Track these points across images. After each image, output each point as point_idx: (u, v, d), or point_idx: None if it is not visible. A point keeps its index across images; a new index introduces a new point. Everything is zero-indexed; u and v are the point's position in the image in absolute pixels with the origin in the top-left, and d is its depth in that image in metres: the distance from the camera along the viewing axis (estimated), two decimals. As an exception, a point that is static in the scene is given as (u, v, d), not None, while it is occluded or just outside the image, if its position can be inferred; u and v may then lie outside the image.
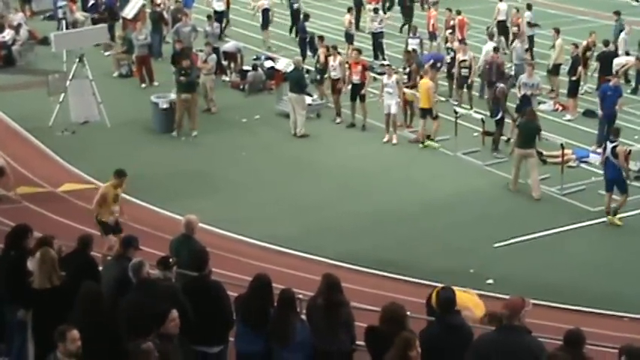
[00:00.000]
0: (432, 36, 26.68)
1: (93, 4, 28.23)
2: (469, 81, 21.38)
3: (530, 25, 25.13)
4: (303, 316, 8.67)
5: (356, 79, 20.41)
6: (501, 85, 19.27)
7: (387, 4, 31.92)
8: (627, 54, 23.19)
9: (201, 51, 22.63)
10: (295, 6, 28.56)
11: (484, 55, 22.25)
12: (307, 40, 25.52)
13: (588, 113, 20.64)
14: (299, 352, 8.38)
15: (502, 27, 26.47)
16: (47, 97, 20.51)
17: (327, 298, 8.44)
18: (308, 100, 20.94)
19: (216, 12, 27.39)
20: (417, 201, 16.48)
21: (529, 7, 25.85)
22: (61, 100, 20.29)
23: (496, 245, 14.55)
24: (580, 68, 21.17)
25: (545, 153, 18.06)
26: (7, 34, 26.77)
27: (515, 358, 7.01)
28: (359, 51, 21.47)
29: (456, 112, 19.49)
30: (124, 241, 9.63)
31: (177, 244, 10.38)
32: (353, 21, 27.81)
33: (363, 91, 20.44)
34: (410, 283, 13.23)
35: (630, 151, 17.23)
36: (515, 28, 25.49)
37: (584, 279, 13.49)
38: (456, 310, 8.09)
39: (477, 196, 16.67)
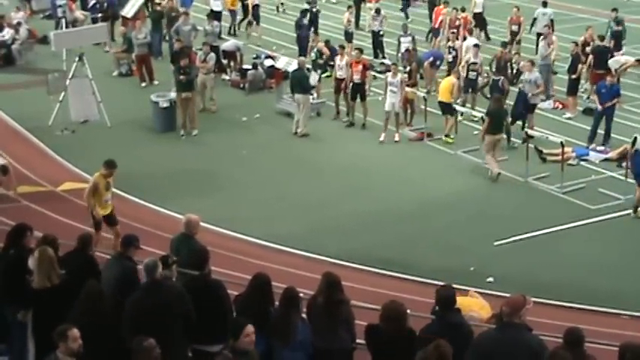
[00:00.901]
0: (436, 32, 26.63)
1: (94, 4, 28.21)
2: (477, 84, 21.02)
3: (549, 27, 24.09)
4: (304, 315, 8.67)
5: (357, 78, 20.39)
6: (502, 77, 19.31)
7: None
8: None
9: (200, 49, 22.60)
10: (315, 9, 27.87)
11: (465, 51, 22.26)
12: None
13: (588, 111, 20.63)
14: (300, 351, 8.38)
15: (479, 19, 26.51)
16: (47, 96, 20.50)
17: (328, 296, 8.45)
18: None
19: (212, 12, 27.37)
20: (418, 199, 16.48)
21: (544, 4, 25.75)
22: (60, 99, 20.28)
23: (496, 243, 14.56)
24: (580, 66, 21.15)
25: (545, 151, 18.08)
26: (7, 33, 26.76)
27: (515, 356, 7.00)
28: (360, 50, 21.47)
29: (455, 111, 19.49)
30: (125, 240, 9.62)
31: (177, 243, 10.37)
32: (352, 19, 27.82)
33: (367, 92, 20.44)
34: (410, 281, 13.24)
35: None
36: (514, 27, 25.40)
37: (584, 277, 13.49)
38: (456, 308, 8.10)
39: (477, 195, 16.68)
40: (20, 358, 9.22)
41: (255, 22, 28.91)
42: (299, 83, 20.23)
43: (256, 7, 28.93)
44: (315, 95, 21.39)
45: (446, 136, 19.41)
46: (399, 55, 23.42)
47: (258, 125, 20.98)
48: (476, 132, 19.26)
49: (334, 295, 8.46)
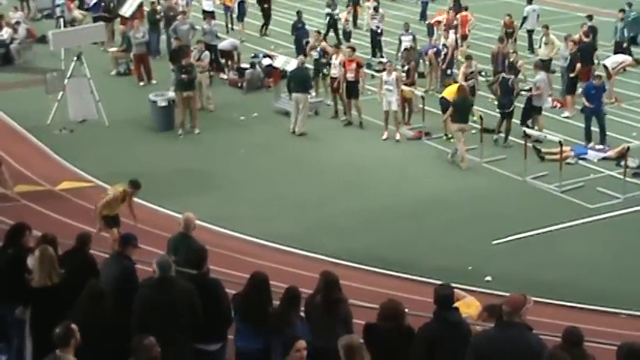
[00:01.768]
0: (430, 31, 26.64)
1: (95, 4, 28.18)
2: (476, 91, 20.78)
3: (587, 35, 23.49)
4: (302, 314, 8.68)
5: (350, 76, 20.39)
6: (512, 76, 19.43)
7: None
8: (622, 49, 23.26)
9: (195, 48, 22.57)
10: (336, 14, 27.74)
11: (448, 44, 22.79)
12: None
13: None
14: (298, 349, 8.38)
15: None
16: (45, 95, 20.49)
17: (326, 295, 8.45)
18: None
19: (205, 12, 27.36)
20: (415, 198, 16.49)
21: (529, 1, 25.89)
22: (59, 98, 20.29)
23: (494, 242, 14.56)
24: (578, 65, 21.17)
25: (543, 150, 18.09)
26: (5, 33, 26.77)
27: (515, 355, 6.99)
28: (353, 48, 21.47)
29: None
30: (123, 239, 9.62)
31: (175, 242, 10.37)
32: (350, 18, 27.82)
33: (360, 90, 20.45)
34: (408, 280, 13.25)
35: (629, 147, 17.28)
36: (509, 30, 25.29)
37: (582, 276, 13.50)
38: (454, 307, 8.11)
39: (475, 193, 16.68)
40: (18, 356, 9.22)
41: (237, 19, 29.24)
42: (299, 82, 20.22)
43: (242, 3, 29.13)
44: (313, 94, 21.37)
45: (451, 137, 19.37)
46: (399, 53, 23.42)
47: (256, 124, 20.98)
48: (473, 131, 19.27)
49: (332, 293, 8.46)
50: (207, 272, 8.99)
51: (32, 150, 19.43)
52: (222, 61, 24.95)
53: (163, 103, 20.34)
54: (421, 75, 23.07)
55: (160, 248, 11.51)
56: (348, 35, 26.75)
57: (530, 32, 25.97)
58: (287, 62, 23.29)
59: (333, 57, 21.27)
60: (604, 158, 18.09)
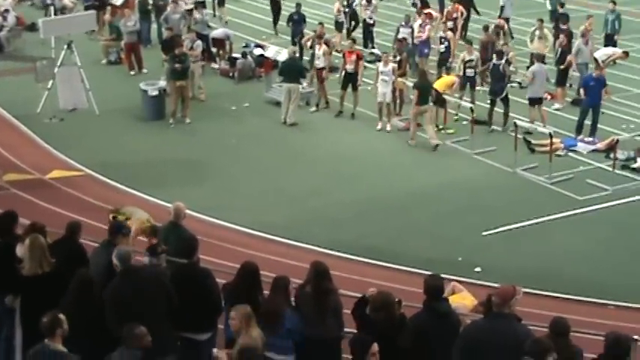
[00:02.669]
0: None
1: None
2: (475, 81, 20.95)
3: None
4: (292, 303, 8.69)
5: (350, 68, 20.41)
6: (502, 61, 19.54)
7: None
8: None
9: (186, 38, 22.48)
10: (357, 8, 27.24)
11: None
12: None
13: (576, 102, 20.67)
14: (289, 339, 8.41)
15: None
16: (35, 83, 20.39)
17: (316, 285, 8.46)
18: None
19: (196, 2, 27.18)
20: (406, 189, 16.51)
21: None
22: (49, 86, 20.22)
23: (484, 233, 14.61)
24: (569, 57, 21.22)
25: (533, 142, 18.14)
26: (-5, 20, 26.64)
27: (503, 346, 7.03)
28: (353, 40, 21.49)
29: (445, 102, 19.52)
30: (113, 227, 9.60)
31: (166, 231, 10.37)
32: (342, 9, 27.72)
33: (358, 82, 20.45)
34: (398, 270, 13.28)
35: (618, 139, 17.35)
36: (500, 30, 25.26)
37: (571, 267, 13.57)
38: (444, 297, 8.14)
39: (465, 185, 16.72)
40: (8, 345, 9.21)
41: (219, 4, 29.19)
42: (291, 72, 20.20)
43: None
44: (304, 84, 21.37)
45: (442, 128, 19.41)
46: (394, 44, 23.37)
47: (248, 114, 20.96)
48: (465, 122, 19.31)
49: (322, 284, 8.48)
50: (198, 262, 8.99)
51: (22, 139, 19.36)
52: (214, 50, 24.89)
53: (154, 93, 20.29)
54: (412, 66, 23.06)
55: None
56: (340, 26, 26.65)
57: (507, 20, 26.22)
58: (278, 52, 23.25)
59: (316, 48, 21.27)
60: (593, 150, 18.15)
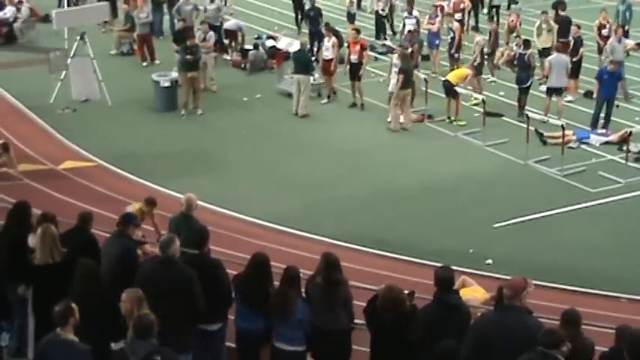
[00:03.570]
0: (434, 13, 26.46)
1: None
2: (482, 69, 21.23)
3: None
4: (303, 294, 8.70)
5: (354, 58, 20.39)
6: (528, 51, 19.70)
7: None
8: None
9: (198, 29, 22.49)
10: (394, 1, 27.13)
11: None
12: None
13: (589, 94, 20.59)
14: (299, 329, 8.43)
15: None
16: (48, 74, 20.47)
17: (326, 276, 8.47)
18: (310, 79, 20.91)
19: None
20: (417, 181, 16.50)
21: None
22: (62, 77, 20.27)
23: (496, 226, 14.58)
24: (582, 49, 21.13)
25: (545, 134, 18.08)
26: (9, 11, 26.72)
27: (514, 338, 7.00)
28: (357, 30, 21.42)
29: (457, 94, 19.47)
30: (124, 218, 9.64)
31: (177, 222, 10.41)
32: (354, 0, 27.67)
33: (361, 71, 20.44)
34: (409, 262, 13.27)
35: (631, 132, 17.27)
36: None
37: (583, 260, 13.52)
38: (454, 289, 8.13)
39: (477, 177, 16.68)
40: (21, 334, 9.26)
41: None
42: (301, 64, 20.21)
43: None
44: (316, 76, 21.36)
45: (453, 120, 19.38)
46: (402, 36, 23.33)
47: (259, 105, 20.97)
48: (476, 114, 19.26)
49: (332, 275, 8.48)
50: (208, 252, 9.01)
51: (35, 129, 19.44)
52: (226, 42, 24.89)
53: (166, 84, 20.33)
54: (425, 57, 23.04)
55: (162, 228, 11.58)
56: (352, 17, 26.60)
57: (497, 8, 26.62)
58: (290, 44, 23.22)
59: (326, 39, 21.25)
60: (606, 142, 18.06)
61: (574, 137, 18.08)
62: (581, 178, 16.46)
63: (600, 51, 21.94)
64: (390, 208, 15.33)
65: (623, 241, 14.16)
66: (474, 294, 10.83)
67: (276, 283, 8.66)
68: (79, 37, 20.50)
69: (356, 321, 8.55)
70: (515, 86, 19.92)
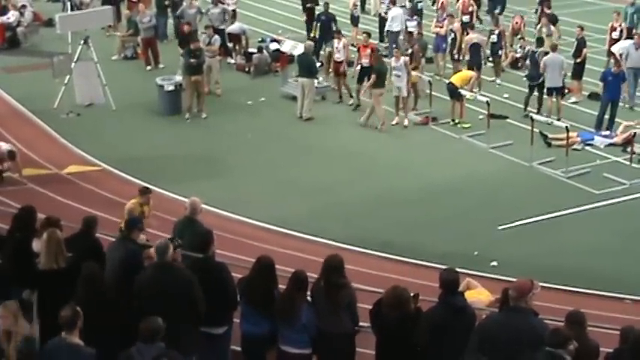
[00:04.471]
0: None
1: None
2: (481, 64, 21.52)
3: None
4: (309, 298, 8.69)
5: (365, 62, 20.41)
6: (542, 49, 20.01)
7: None
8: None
9: (203, 33, 22.52)
10: (420, 5, 26.76)
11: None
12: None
13: (593, 96, 20.57)
14: (304, 333, 8.41)
15: None
16: (52, 78, 20.50)
17: (327, 280, 8.44)
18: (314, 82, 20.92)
19: None
20: (422, 183, 16.49)
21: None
22: (66, 82, 20.29)
23: (500, 228, 14.57)
24: (585, 50, 21.11)
25: (550, 136, 18.06)
26: (12, 16, 26.74)
27: (519, 340, 6.99)
28: (368, 34, 21.49)
29: (462, 96, 19.46)
30: (129, 222, 9.64)
31: (181, 225, 10.38)
32: (358, 3, 27.67)
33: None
34: (414, 265, 13.26)
35: (635, 133, 17.24)
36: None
37: (588, 261, 13.49)
38: (459, 292, 8.12)
39: (481, 179, 16.68)
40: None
41: None
42: (305, 67, 20.22)
43: None
44: (320, 79, 21.37)
45: (458, 122, 19.38)
46: (402, 36, 23.36)
47: (264, 109, 20.98)
48: (481, 117, 19.25)
49: (334, 278, 8.40)
50: (213, 256, 9.00)
51: (39, 133, 19.47)
52: (230, 45, 24.91)
53: (170, 88, 20.35)
54: (429, 60, 23.04)
55: (166, 232, 11.56)
56: (356, 20, 26.59)
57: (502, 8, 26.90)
58: (294, 47, 23.23)
59: (336, 41, 21.27)
60: (610, 144, 18.05)
61: (578, 139, 18.05)
62: (585, 179, 16.44)
63: (609, 53, 21.89)
64: (395, 211, 15.31)
65: (628, 243, 14.13)
66: (478, 296, 10.84)
67: (282, 287, 8.65)
68: (82, 42, 20.51)
69: (361, 323, 8.52)
70: (519, 88, 19.94)
